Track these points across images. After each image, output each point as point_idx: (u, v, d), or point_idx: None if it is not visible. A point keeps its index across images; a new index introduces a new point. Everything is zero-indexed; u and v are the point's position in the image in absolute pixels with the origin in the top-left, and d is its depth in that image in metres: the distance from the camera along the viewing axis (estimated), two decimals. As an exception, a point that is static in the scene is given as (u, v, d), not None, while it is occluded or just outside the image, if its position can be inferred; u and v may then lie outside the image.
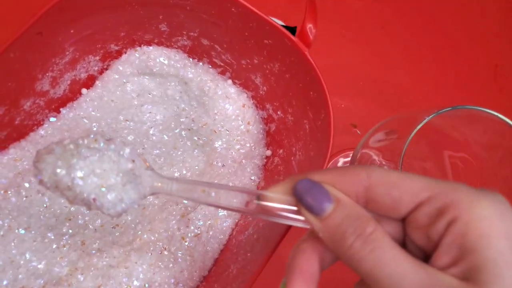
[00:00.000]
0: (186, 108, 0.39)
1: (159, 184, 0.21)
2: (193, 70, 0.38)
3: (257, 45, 0.35)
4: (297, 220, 0.18)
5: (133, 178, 0.21)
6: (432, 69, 0.50)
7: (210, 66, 0.39)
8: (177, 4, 0.34)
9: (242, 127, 0.39)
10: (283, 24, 0.48)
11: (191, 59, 0.38)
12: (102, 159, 0.20)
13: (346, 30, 0.51)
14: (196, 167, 0.37)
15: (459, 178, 0.31)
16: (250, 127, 0.39)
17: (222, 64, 0.38)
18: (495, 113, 0.23)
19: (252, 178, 0.39)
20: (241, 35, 0.35)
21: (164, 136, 0.38)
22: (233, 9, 0.32)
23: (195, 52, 0.38)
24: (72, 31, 0.31)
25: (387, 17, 0.52)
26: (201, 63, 0.39)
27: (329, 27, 0.50)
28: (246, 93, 0.39)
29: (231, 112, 0.39)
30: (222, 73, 0.39)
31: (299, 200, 0.17)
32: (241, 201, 0.21)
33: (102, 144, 0.21)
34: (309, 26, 0.31)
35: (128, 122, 0.38)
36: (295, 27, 0.44)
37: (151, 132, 0.38)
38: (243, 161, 0.39)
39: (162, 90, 0.38)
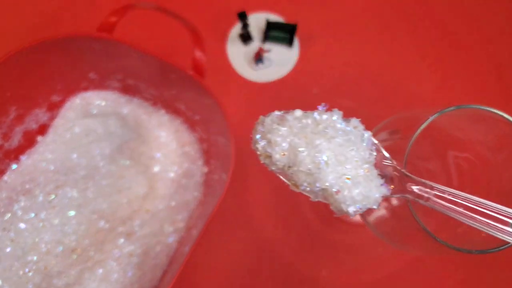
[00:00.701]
0: (127, 140, 0.44)
1: (414, 188, 0.18)
2: (128, 106, 0.44)
3: (171, 79, 0.39)
4: None
5: (375, 173, 0.18)
6: (434, 68, 0.49)
7: (142, 100, 0.44)
8: (98, 51, 0.39)
9: (178, 150, 0.44)
10: (283, 21, 0.51)
11: (125, 97, 0.44)
12: (346, 143, 0.17)
13: (347, 28, 0.51)
14: (140, 192, 0.43)
15: (463, 179, 0.31)
16: (186, 148, 0.44)
17: (151, 97, 0.43)
18: (500, 112, 0.22)
19: (195, 194, 0.43)
20: (157, 71, 0.40)
21: (112, 167, 0.43)
22: (135, 54, 0.37)
23: (126, 91, 0.43)
24: (8, 94, 0.38)
25: (387, 17, 0.52)
26: (134, 99, 0.44)
27: (329, 27, 0.51)
28: (178, 119, 0.44)
29: (166, 138, 0.43)
30: (154, 104, 0.44)
31: None
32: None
33: (342, 124, 0.18)
34: (198, 55, 0.35)
35: (80, 159, 0.44)
36: (295, 24, 0.48)
37: (100, 164, 0.44)
38: (183, 180, 0.43)
39: (105, 127, 0.44)
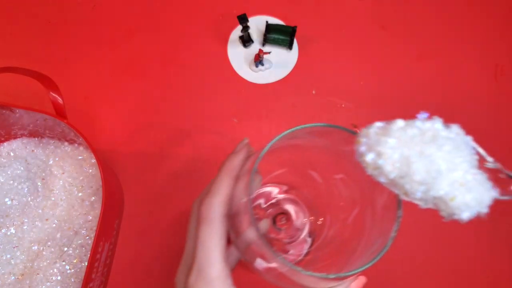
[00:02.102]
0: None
1: None
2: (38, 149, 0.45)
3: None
4: None
5: (484, 177, 0.18)
6: (432, 69, 0.50)
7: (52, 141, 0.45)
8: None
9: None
10: (283, 23, 0.52)
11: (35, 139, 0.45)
12: (454, 151, 0.17)
13: (346, 30, 0.52)
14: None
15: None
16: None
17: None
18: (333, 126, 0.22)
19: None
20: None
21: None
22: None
23: (34, 135, 0.45)
24: None
25: (387, 17, 0.53)
26: (44, 139, 0.45)
27: (329, 27, 0.52)
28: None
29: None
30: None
31: None
32: None
33: (445, 131, 0.18)
34: (54, 97, 0.35)
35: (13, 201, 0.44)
36: (295, 26, 0.49)
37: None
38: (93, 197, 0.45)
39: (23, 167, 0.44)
